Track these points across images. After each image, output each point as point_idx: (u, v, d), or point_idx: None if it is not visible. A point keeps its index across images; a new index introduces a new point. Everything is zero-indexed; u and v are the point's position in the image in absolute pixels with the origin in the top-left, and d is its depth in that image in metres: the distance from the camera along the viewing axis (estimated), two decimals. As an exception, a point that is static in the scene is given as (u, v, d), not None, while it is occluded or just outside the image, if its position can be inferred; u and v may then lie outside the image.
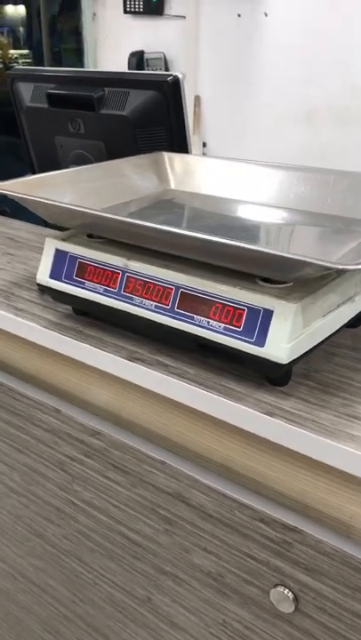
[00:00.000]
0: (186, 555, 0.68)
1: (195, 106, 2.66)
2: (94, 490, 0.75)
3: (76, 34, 3.23)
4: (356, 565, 0.54)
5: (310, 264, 0.45)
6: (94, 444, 0.72)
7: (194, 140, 2.52)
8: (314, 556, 0.56)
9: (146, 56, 2.65)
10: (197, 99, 2.67)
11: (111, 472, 0.71)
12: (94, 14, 2.95)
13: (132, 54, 2.68)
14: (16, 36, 3.57)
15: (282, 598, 0.60)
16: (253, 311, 0.52)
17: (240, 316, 0.53)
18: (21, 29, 3.58)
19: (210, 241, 0.49)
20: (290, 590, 0.59)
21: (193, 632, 0.71)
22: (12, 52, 3.47)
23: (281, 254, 0.45)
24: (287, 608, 0.60)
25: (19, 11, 3.53)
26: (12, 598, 0.99)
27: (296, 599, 0.59)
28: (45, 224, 1.14)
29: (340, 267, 0.43)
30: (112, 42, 2.90)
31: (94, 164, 0.78)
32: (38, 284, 0.68)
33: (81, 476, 0.76)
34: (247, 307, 0.52)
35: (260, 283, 0.54)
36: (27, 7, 3.50)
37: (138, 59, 2.64)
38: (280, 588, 0.60)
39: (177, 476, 0.64)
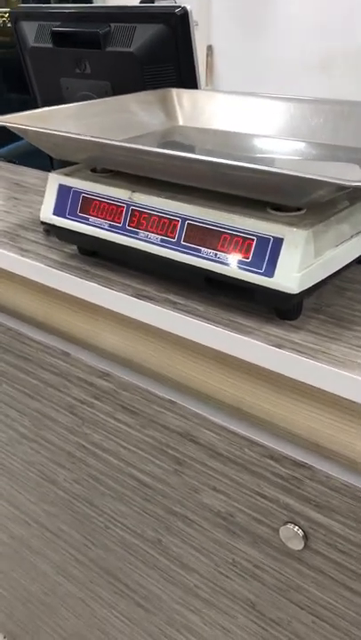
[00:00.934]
0: (195, 495, 0.68)
1: (207, 55, 2.58)
2: (104, 432, 0.75)
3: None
4: (367, 501, 0.53)
5: (321, 182, 0.43)
6: (103, 385, 0.71)
7: (206, 92, 2.44)
8: (324, 492, 0.55)
9: (157, 2, 2.57)
10: (210, 48, 2.59)
11: (120, 413, 0.71)
12: None
13: (143, 0, 2.59)
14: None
15: (292, 535, 0.59)
16: (262, 240, 0.50)
17: (249, 246, 0.51)
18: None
19: (217, 163, 0.47)
20: (300, 527, 0.59)
21: (203, 572, 0.72)
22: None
23: (291, 173, 0.43)
24: (297, 545, 0.59)
25: None
26: (25, 544, 1.01)
27: (306, 536, 0.59)
28: (52, 168, 1.12)
29: (355, 183, 0.41)
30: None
31: (100, 100, 0.76)
32: (42, 222, 0.66)
33: (91, 418, 0.75)
34: (256, 236, 0.50)
35: (271, 211, 0.52)
36: None
37: (149, 3, 2.55)
38: (290, 526, 0.59)
39: (186, 415, 0.63)
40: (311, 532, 0.58)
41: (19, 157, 1.17)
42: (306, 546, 0.59)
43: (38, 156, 1.21)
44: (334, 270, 0.53)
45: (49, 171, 1.06)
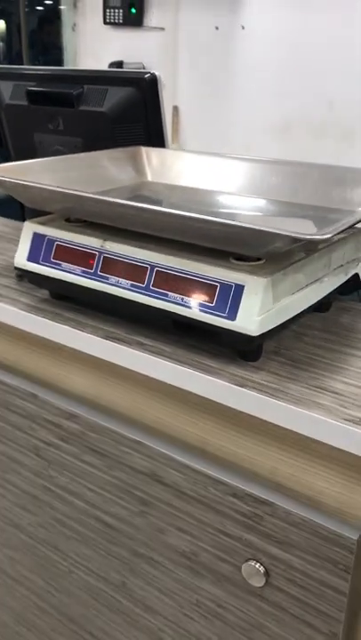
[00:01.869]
0: (161, 535, 0.69)
1: (173, 116, 2.70)
2: (70, 474, 0.76)
3: (56, 46, 3.27)
4: (324, 535, 0.55)
5: (279, 236, 0.47)
6: (71, 427, 0.73)
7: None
8: (284, 527, 0.58)
9: (125, 66, 2.69)
10: (175, 109, 2.71)
11: (88, 455, 0.72)
12: (74, 25, 2.99)
13: (112, 64, 2.72)
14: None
15: (253, 572, 0.61)
16: (225, 287, 0.54)
17: (213, 291, 0.55)
18: (0, 44, 3.61)
19: (186, 217, 0.51)
20: (261, 564, 0.61)
21: (167, 614, 0.72)
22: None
23: (252, 227, 0.47)
24: (258, 582, 0.61)
25: (-3, 26, 3.56)
26: (-14, 593, 0.99)
27: (267, 572, 0.60)
28: (22, 219, 1.16)
29: (308, 237, 0.45)
30: (92, 52, 2.94)
31: (73, 155, 0.80)
32: (16, 268, 0.69)
33: (57, 460, 0.76)
34: (219, 283, 0.54)
35: (233, 261, 0.56)
36: (7, 22, 3.54)
37: (117, 67, 2.68)
38: (252, 562, 0.61)
39: (153, 455, 0.65)
40: (272, 567, 0.60)
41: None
42: (267, 582, 0.61)
43: (8, 206, 1.25)
44: (291, 315, 0.58)
45: (19, 220, 1.10)
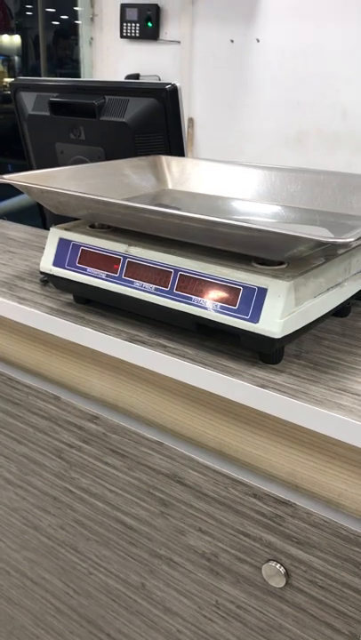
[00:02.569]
0: (180, 536, 0.70)
1: (188, 128, 2.73)
2: (92, 476, 0.77)
3: (73, 60, 3.32)
4: (345, 535, 0.56)
5: (304, 239, 0.48)
6: (92, 429, 0.74)
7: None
8: (305, 528, 0.59)
9: (141, 79, 2.73)
10: (191, 121, 2.74)
11: (109, 457, 0.74)
12: (92, 39, 3.04)
13: (128, 77, 2.76)
14: (11, 65, 3.67)
15: (273, 573, 0.62)
16: (248, 290, 0.55)
17: (236, 295, 0.56)
18: (16, 58, 3.68)
19: (208, 221, 0.52)
20: (281, 565, 0.61)
21: (186, 616, 0.73)
22: (6, 80, 3.56)
23: (274, 230, 0.49)
24: (278, 583, 0.62)
25: (13, 40, 3.63)
26: (4, 595, 1.00)
27: (287, 573, 0.61)
28: (44, 228, 1.18)
29: (332, 240, 0.46)
30: (108, 65, 2.98)
31: (96, 163, 0.82)
32: (41, 272, 0.70)
33: (79, 462, 0.78)
34: (242, 286, 0.56)
35: (256, 265, 0.57)
36: (22, 37, 3.61)
37: (134, 79, 2.71)
38: (272, 563, 0.62)
39: (173, 456, 0.67)
40: (293, 568, 0.61)
41: (8, 215, 1.23)
42: (287, 583, 0.62)
43: (30, 215, 1.27)
44: (313, 319, 0.59)
45: (40, 227, 1.12)
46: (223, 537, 0.66)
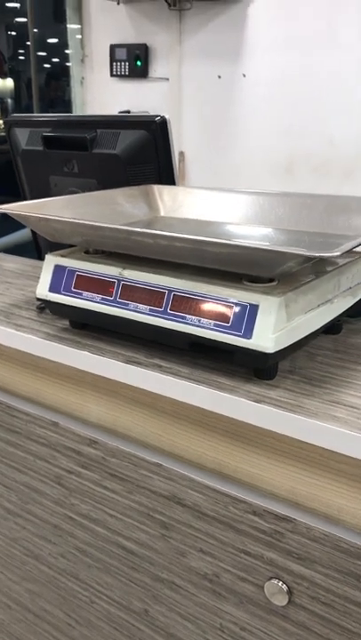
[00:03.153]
0: (182, 558, 0.70)
1: (179, 161, 2.79)
2: (91, 502, 0.77)
3: (64, 100, 3.41)
4: (346, 548, 0.56)
5: (291, 255, 0.50)
6: (91, 453, 0.74)
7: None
8: (305, 543, 0.59)
9: (132, 113, 2.80)
10: (182, 154, 2.80)
11: (108, 481, 0.74)
12: (83, 78, 3.12)
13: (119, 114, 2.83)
14: (4, 107, 3.76)
15: (276, 591, 0.62)
16: (241, 307, 0.57)
17: (229, 312, 0.57)
18: (9, 100, 3.77)
19: (198, 241, 0.54)
20: (283, 582, 0.61)
21: (190, 641, 0.72)
22: (-1, 121, 3.65)
23: (265, 247, 0.50)
24: (281, 601, 0.62)
25: (7, 84, 3.73)
26: (5, 630, 0.98)
27: (290, 591, 0.61)
28: (38, 257, 1.20)
29: (318, 255, 0.48)
30: (100, 104, 3.06)
31: (89, 193, 0.84)
32: (38, 299, 0.72)
33: (78, 488, 0.78)
34: (235, 303, 0.57)
35: (246, 283, 0.59)
36: (15, 80, 3.71)
37: (125, 113, 2.78)
38: (274, 581, 0.62)
39: (172, 477, 0.67)
40: (295, 585, 0.61)
41: (4, 251, 1.25)
42: (290, 601, 0.61)
43: (25, 248, 1.29)
44: (304, 334, 0.60)
45: (37, 258, 1.14)
46: (224, 556, 0.65)
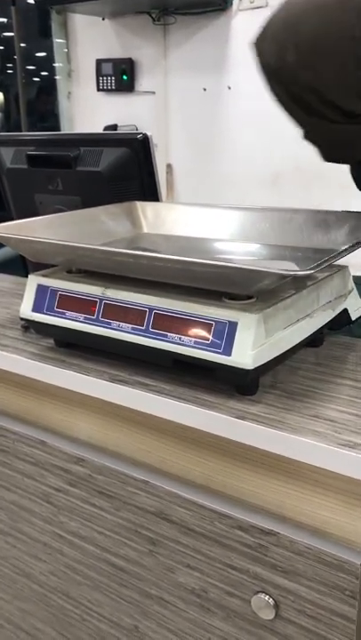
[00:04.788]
0: (170, 574, 0.70)
1: (167, 173, 2.80)
2: (80, 519, 0.77)
3: (53, 113, 3.43)
4: (329, 561, 0.57)
5: (267, 273, 0.51)
6: (79, 471, 0.75)
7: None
8: (289, 556, 0.59)
9: (119, 129, 2.81)
10: (169, 167, 2.82)
11: (96, 498, 0.74)
12: (69, 93, 3.14)
13: (106, 128, 2.84)
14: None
15: (263, 605, 0.62)
16: (220, 324, 0.57)
17: (208, 330, 0.58)
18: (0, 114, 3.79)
19: (178, 261, 0.55)
20: (270, 596, 0.62)
21: (181, 656, 0.72)
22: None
23: (241, 266, 0.51)
24: (268, 615, 0.62)
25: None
26: (-2, 649, 0.98)
27: (276, 604, 0.61)
28: (26, 274, 1.20)
29: (293, 273, 0.49)
30: (87, 118, 3.07)
31: (72, 212, 0.85)
32: (22, 318, 0.72)
33: (66, 506, 0.78)
34: (214, 321, 0.58)
35: (226, 300, 0.60)
36: (4, 94, 3.73)
37: (112, 130, 2.80)
38: (261, 595, 0.62)
39: (159, 493, 0.67)
40: (281, 599, 0.61)
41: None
42: (277, 615, 0.62)
43: (12, 266, 1.30)
44: (284, 350, 0.61)
45: (22, 276, 1.14)
46: (211, 572, 0.66)
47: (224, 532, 0.63)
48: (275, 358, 0.59)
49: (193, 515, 0.65)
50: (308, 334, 0.65)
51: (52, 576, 0.84)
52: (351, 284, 0.72)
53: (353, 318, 0.72)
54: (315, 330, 0.66)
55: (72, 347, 0.74)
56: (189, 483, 0.66)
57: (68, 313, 0.68)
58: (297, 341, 0.63)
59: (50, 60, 3.33)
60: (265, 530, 0.60)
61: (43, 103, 3.62)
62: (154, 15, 2.67)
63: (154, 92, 2.79)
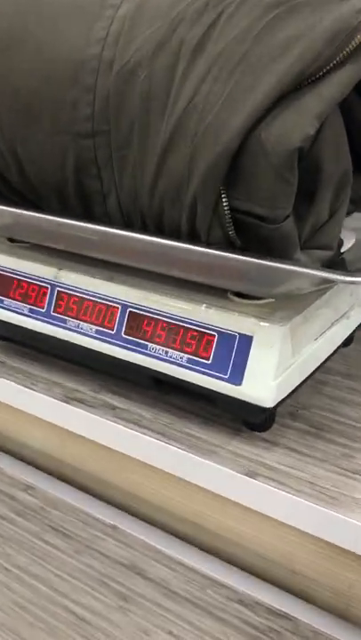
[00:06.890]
0: (146, 637, 0.54)
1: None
2: (30, 555, 0.60)
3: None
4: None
5: (305, 274, 0.32)
6: (28, 501, 0.57)
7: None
8: (311, 650, 0.43)
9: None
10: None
11: (49, 535, 0.57)
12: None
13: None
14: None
15: None
16: (226, 337, 0.39)
17: (208, 343, 0.39)
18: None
19: (171, 246, 0.35)
20: None
21: None
22: None
23: (266, 263, 0.32)
24: None
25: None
26: None
27: None
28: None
29: (341, 277, 0.30)
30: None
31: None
32: None
33: (13, 537, 0.61)
34: (218, 331, 0.39)
35: (233, 297, 0.41)
36: None
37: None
38: None
39: (131, 544, 0.51)
40: None
41: None
42: None
43: None
44: (314, 367, 0.43)
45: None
46: (201, 645, 0.50)
47: (220, 604, 0.47)
48: (301, 382, 0.41)
49: (177, 575, 0.49)
50: (343, 339, 0.47)
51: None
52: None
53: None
54: (351, 331, 0.48)
55: (15, 341, 0.55)
56: (173, 529, 0.49)
57: (8, 301, 0.48)
58: (331, 352, 0.45)
59: None
60: (275, 610, 0.44)
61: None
62: None
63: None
